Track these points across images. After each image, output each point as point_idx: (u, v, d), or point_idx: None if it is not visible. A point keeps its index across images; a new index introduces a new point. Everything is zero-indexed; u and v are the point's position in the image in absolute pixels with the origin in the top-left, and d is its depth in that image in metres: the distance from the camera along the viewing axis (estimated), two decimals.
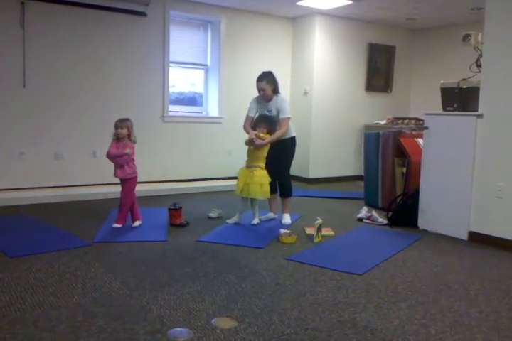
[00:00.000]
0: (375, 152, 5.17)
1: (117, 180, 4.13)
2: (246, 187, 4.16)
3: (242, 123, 4.41)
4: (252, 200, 4.31)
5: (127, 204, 4.07)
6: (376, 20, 7.06)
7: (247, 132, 4.25)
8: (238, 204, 4.40)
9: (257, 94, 4.32)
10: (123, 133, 4.00)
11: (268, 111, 4.27)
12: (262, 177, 4.18)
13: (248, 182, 4.15)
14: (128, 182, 4.07)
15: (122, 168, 4.03)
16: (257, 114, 4.36)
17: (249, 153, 4.24)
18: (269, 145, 4.21)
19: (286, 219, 4.42)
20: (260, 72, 4.30)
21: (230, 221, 4.34)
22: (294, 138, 4.40)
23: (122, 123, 4.01)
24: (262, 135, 4.16)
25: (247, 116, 4.37)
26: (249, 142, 4.16)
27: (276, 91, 4.28)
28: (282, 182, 4.42)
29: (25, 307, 2.44)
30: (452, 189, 4.07)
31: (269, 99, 4.27)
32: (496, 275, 3.17)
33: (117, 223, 4.07)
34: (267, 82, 4.20)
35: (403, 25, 7.35)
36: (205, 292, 2.71)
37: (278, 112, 4.24)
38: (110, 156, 4.01)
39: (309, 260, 3.33)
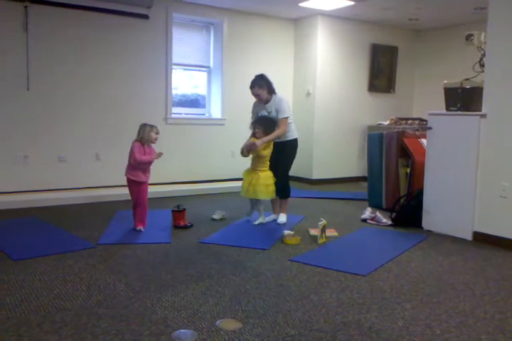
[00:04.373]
0: (378, 153, 5.16)
1: (120, 182, 4.13)
2: (252, 188, 4.18)
3: (245, 125, 4.42)
4: (256, 201, 4.32)
5: (146, 205, 4.07)
6: (379, 20, 7.06)
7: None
8: (259, 207, 4.38)
9: None
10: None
11: (268, 112, 4.27)
12: (267, 177, 4.20)
13: (254, 183, 4.17)
14: (145, 184, 4.07)
15: (145, 172, 4.03)
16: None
17: (252, 158, 4.25)
18: (271, 147, 4.22)
19: (282, 218, 4.44)
20: (264, 74, 4.30)
21: (255, 222, 4.35)
22: (295, 140, 4.39)
23: (158, 129, 4.06)
24: (253, 140, 4.18)
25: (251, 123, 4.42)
26: (247, 151, 4.19)
27: (271, 91, 4.28)
28: (280, 183, 4.38)
29: (30, 309, 2.45)
30: (456, 189, 4.06)
31: (266, 101, 4.28)
32: (501, 275, 3.16)
33: (142, 225, 4.07)
34: (259, 86, 4.21)
35: (406, 25, 7.34)
36: (209, 293, 2.71)
37: (277, 112, 4.24)
38: (143, 162, 3.95)
39: (313, 261, 3.33)
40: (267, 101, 4.28)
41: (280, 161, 4.35)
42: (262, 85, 4.21)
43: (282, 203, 4.49)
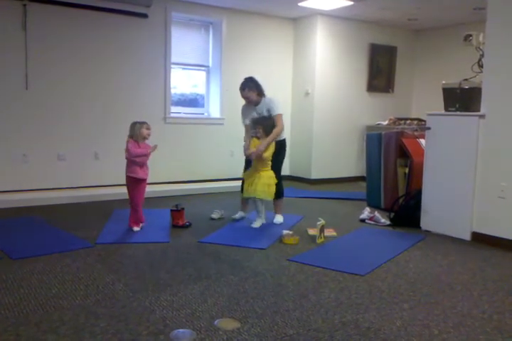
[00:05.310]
0: (377, 153, 5.17)
1: (119, 181, 4.13)
2: (252, 187, 4.17)
3: (243, 126, 4.44)
4: (257, 201, 4.31)
5: (141, 204, 4.08)
6: (378, 20, 7.06)
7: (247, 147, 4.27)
8: (259, 208, 4.33)
9: None
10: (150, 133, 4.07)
11: (258, 114, 4.31)
12: (268, 177, 4.19)
13: (255, 182, 4.15)
14: (144, 182, 4.07)
15: (143, 168, 4.03)
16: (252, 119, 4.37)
17: (254, 160, 4.24)
18: (272, 148, 4.21)
19: (278, 218, 4.46)
20: (254, 77, 4.35)
21: (253, 225, 4.29)
22: (284, 140, 4.44)
23: (149, 125, 4.08)
24: (255, 143, 4.18)
25: (244, 126, 4.43)
26: (250, 156, 4.20)
27: (261, 94, 4.32)
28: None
29: (28, 308, 2.45)
30: (455, 189, 4.07)
31: (257, 103, 4.32)
32: (499, 275, 3.16)
33: (137, 226, 4.06)
34: (249, 89, 4.25)
35: (405, 25, 7.34)
36: (207, 293, 2.71)
37: (269, 112, 4.26)
38: (138, 155, 3.96)
39: (312, 261, 3.33)
40: (257, 103, 4.31)
41: (273, 162, 4.35)
42: (252, 87, 4.26)
43: (276, 204, 4.50)
